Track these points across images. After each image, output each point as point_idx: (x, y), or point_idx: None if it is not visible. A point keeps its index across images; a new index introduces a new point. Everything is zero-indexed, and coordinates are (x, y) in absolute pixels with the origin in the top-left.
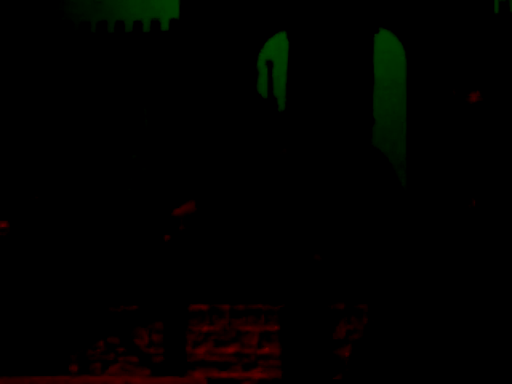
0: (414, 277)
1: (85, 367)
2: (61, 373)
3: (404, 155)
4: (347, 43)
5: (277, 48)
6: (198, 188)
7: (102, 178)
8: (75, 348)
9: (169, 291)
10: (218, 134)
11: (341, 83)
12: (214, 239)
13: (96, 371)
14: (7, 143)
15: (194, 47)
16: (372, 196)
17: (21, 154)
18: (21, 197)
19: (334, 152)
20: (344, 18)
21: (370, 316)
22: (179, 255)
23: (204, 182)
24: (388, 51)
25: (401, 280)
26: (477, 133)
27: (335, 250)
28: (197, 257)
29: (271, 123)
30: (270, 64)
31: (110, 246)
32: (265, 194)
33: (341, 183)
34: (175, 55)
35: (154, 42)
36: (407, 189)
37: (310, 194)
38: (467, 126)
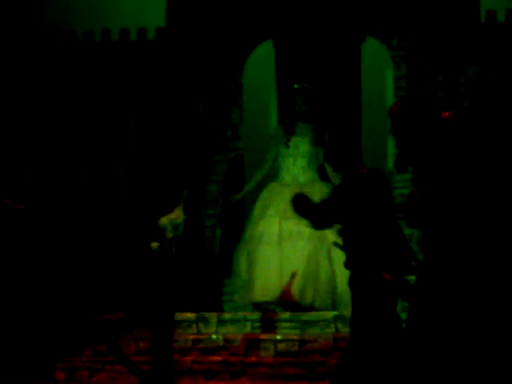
0: None
1: (72, 375)
2: (47, 381)
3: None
4: (333, 53)
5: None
6: (187, 196)
7: (89, 187)
8: (62, 356)
9: (156, 299)
10: (202, 147)
11: (328, 90)
12: (201, 248)
13: (83, 379)
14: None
15: (180, 56)
16: None
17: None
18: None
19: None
20: (330, 28)
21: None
22: (166, 263)
23: (192, 190)
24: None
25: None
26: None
27: None
28: (183, 265)
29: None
30: None
31: (98, 255)
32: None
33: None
34: (161, 63)
35: (140, 50)
36: None
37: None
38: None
